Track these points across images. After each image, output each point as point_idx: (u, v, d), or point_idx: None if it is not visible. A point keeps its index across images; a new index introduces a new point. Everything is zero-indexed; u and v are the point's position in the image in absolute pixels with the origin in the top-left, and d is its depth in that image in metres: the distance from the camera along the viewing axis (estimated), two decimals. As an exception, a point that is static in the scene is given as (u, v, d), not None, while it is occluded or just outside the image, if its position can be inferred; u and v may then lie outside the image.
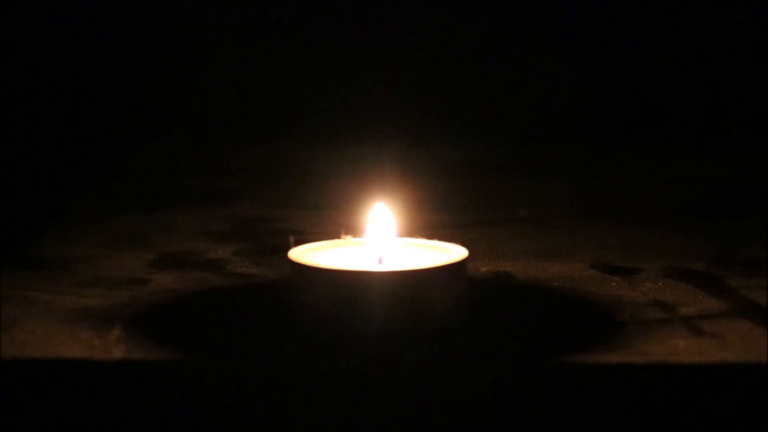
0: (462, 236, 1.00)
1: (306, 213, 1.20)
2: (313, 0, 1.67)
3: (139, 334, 0.81)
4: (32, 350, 0.77)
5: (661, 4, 1.66)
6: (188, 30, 1.66)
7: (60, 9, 1.64)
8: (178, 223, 1.15)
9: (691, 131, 1.65)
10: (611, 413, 0.75)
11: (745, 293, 0.90)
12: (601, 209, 1.24)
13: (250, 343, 0.80)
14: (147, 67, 1.66)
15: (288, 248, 0.85)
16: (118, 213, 1.20)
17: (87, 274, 0.96)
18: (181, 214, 1.20)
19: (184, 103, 1.66)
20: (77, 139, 1.60)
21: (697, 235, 1.11)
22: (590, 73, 1.67)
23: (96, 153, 1.56)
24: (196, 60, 1.66)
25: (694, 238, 1.09)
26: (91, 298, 0.89)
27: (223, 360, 0.77)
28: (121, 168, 1.48)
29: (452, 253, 0.85)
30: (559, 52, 1.67)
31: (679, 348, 0.78)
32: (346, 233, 0.89)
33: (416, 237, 0.90)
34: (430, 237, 0.90)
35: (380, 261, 0.86)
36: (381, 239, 0.87)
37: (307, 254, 0.85)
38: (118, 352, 0.77)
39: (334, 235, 0.90)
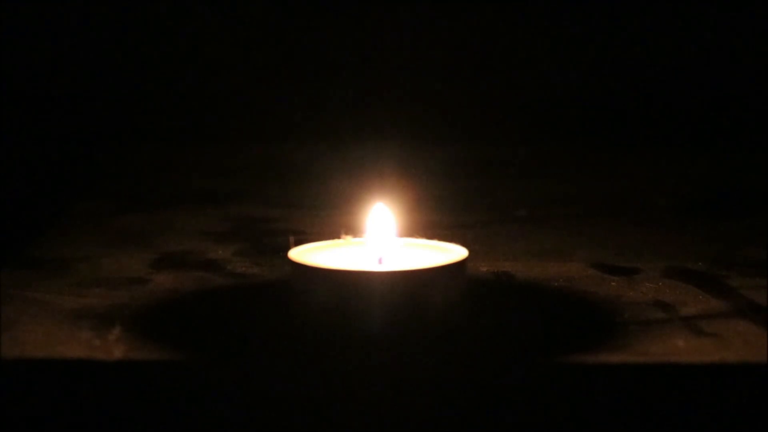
0: (462, 236, 1.00)
1: (306, 213, 1.20)
2: (313, 0, 1.67)
3: (139, 334, 0.81)
4: (32, 350, 0.77)
5: (661, 3, 1.66)
6: (188, 30, 1.66)
7: (60, 9, 1.64)
8: (178, 223, 1.15)
9: (691, 131, 1.65)
10: (611, 413, 0.75)
11: (745, 293, 0.90)
12: (601, 209, 1.24)
13: (250, 343, 0.80)
14: (147, 66, 1.66)
15: (288, 248, 0.85)
16: (118, 213, 1.20)
17: (87, 274, 0.96)
18: (181, 214, 1.20)
19: (184, 103, 1.66)
20: (77, 139, 1.60)
21: (697, 235, 1.11)
22: (590, 72, 1.67)
23: (96, 153, 1.56)
24: (196, 60, 1.66)
25: (694, 238, 1.09)
26: (91, 298, 0.89)
27: (223, 360, 0.77)
28: (121, 168, 1.48)
29: (452, 253, 0.85)
30: (559, 52, 1.67)
31: (679, 348, 0.78)
32: (346, 233, 0.89)
33: (416, 237, 0.90)
34: (430, 237, 0.90)
35: (380, 261, 0.86)
36: (381, 239, 0.87)
37: (307, 254, 0.85)
38: (118, 352, 0.77)
39: (334, 235, 0.90)
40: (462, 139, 1.62)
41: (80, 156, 1.55)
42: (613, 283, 0.93)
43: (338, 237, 0.89)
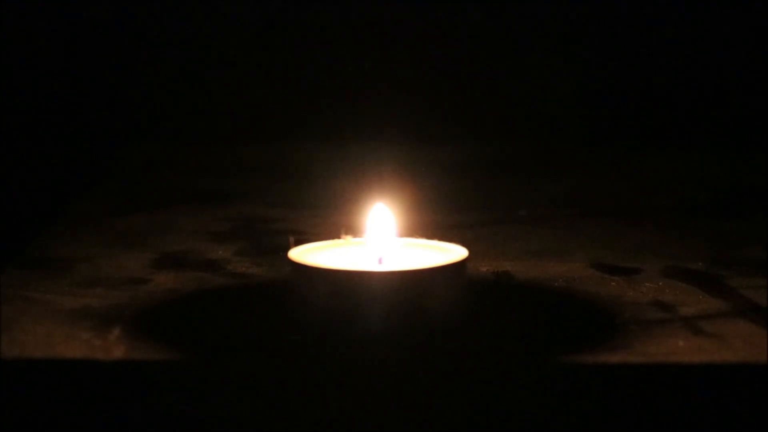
0: (462, 236, 1.00)
1: (306, 213, 1.20)
2: (313, 0, 1.67)
3: (139, 334, 0.81)
4: (32, 350, 0.77)
5: (661, 3, 1.66)
6: (188, 29, 1.66)
7: (60, 9, 1.64)
8: (178, 223, 1.15)
9: (691, 131, 1.65)
10: (611, 413, 0.75)
11: (745, 293, 0.90)
12: (601, 209, 1.24)
13: (249, 343, 0.80)
14: (147, 66, 1.66)
15: (288, 248, 0.85)
16: (118, 213, 1.20)
17: (87, 274, 0.96)
18: (181, 214, 1.20)
19: (184, 103, 1.66)
20: (77, 139, 1.60)
21: (697, 235, 1.11)
22: (591, 72, 1.67)
23: (96, 153, 1.56)
24: (196, 59, 1.66)
25: (694, 238, 1.09)
26: (91, 298, 0.89)
27: (223, 360, 0.77)
28: (121, 168, 1.48)
29: (452, 253, 0.85)
30: (559, 52, 1.67)
31: (679, 348, 0.78)
32: (346, 233, 0.89)
33: (416, 237, 0.90)
34: (430, 237, 0.90)
35: (380, 261, 0.86)
36: (381, 239, 0.87)
37: (307, 254, 0.85)
38: (118, 352, 0.77)
39: (334, 235, 0.90)
40: (462, 138, 1.62)
41: (80, 156, 1.55)
42: (613, 283, 0.93)
43: (338, 237, 0.89)
